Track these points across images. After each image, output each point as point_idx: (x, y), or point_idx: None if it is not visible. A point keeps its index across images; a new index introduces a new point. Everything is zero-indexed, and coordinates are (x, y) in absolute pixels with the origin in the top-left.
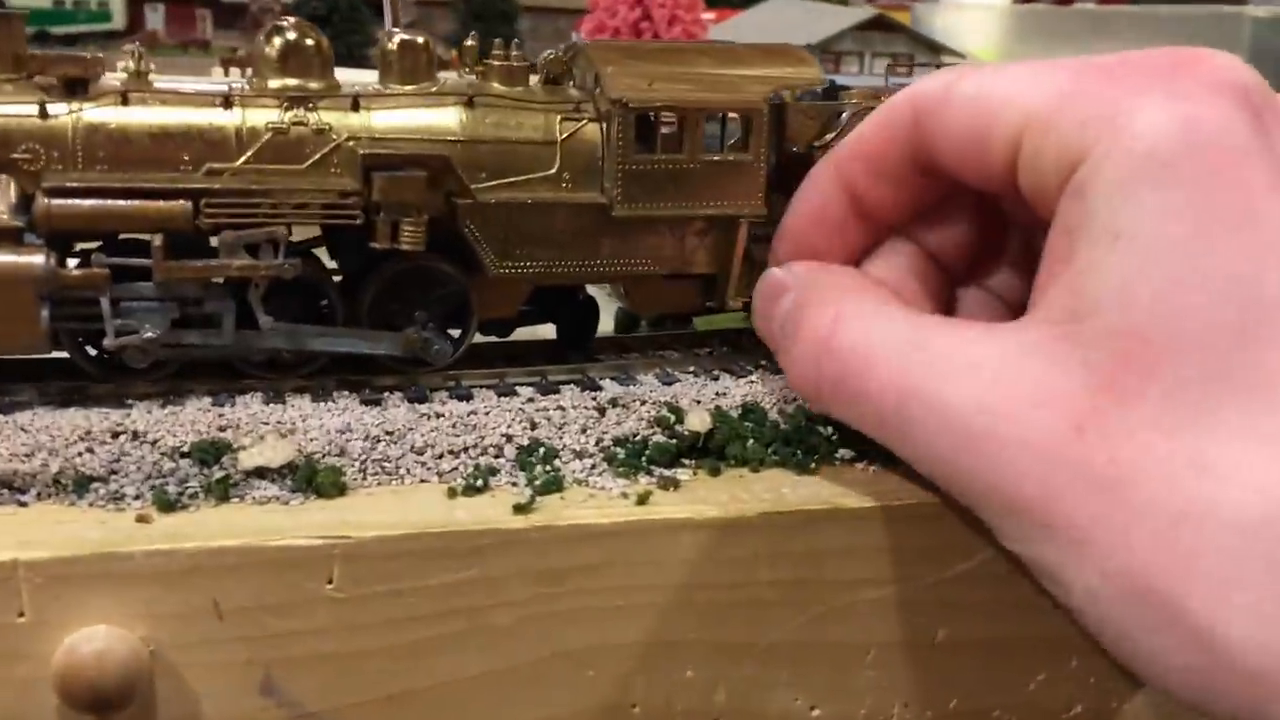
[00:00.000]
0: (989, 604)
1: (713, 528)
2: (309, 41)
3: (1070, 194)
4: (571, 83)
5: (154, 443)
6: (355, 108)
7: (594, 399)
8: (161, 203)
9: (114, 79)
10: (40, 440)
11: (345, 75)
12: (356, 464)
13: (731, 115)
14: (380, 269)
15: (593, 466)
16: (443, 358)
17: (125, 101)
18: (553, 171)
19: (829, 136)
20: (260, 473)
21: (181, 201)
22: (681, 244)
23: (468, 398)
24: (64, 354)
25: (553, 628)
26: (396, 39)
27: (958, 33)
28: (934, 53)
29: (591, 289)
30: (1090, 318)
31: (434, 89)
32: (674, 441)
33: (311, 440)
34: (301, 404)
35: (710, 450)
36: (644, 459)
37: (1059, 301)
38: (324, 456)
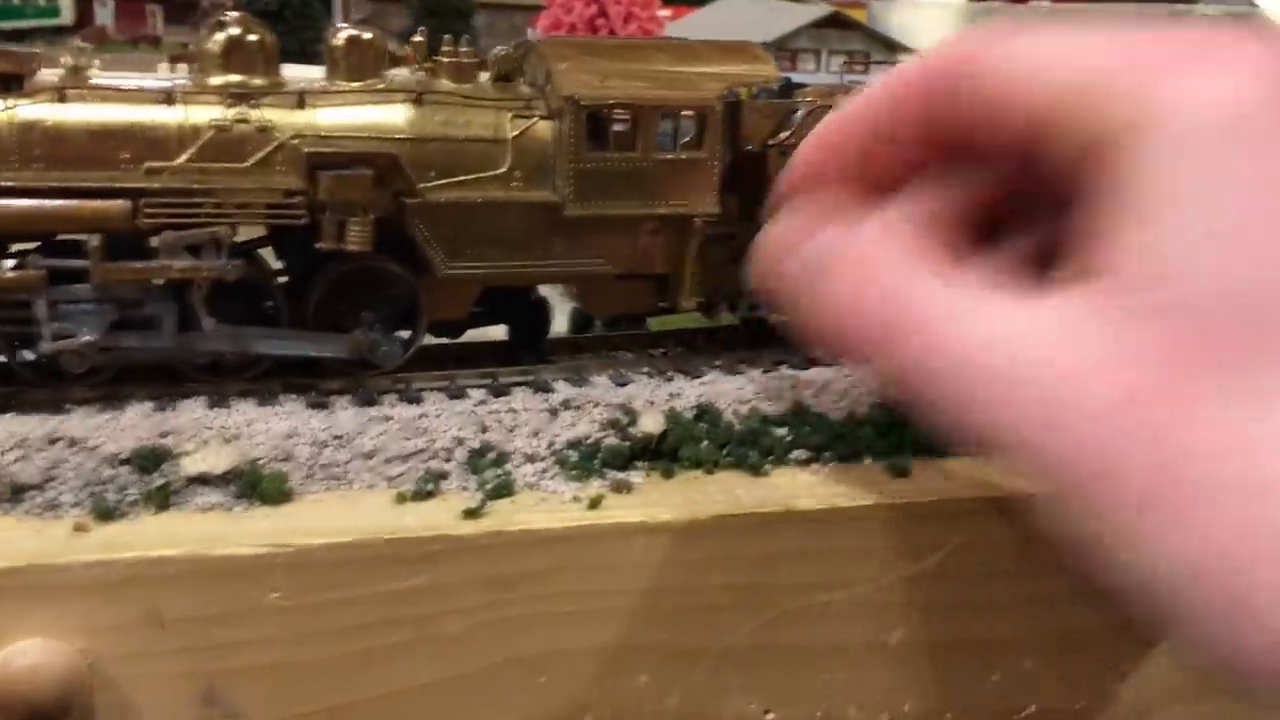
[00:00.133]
0: (943, 606)
1: (666, 531)
2: (252, 37)
3: (1120, 163)
4: (523, 80)
5: (92, 449)
6: (300, 105)
7: (546, 401)
8: (99, 202)
9: (51, 75)
10: None
11: (296, 71)
12: (303, 469)
13: (685, 113)
14: (326, 270)
15: (544, 470)
16: (391, 360)
17: (62, 98)
18: (503, 170)
19: (783, 135)
20: (202, 479)
21: (120, 201)
22: (635, 244)
23: (417, 400)
24: None
25: (504, 634)
26: (343, 35)
27: (914, 30)
28: (890, 50)
29: (545, 289)
30: (1151, 288)
31: (381, 86)
32: (627, 444)
33: (256, 445)
34: (246, 408)
35: (664, 453)
36: (596, 462)
37: (1113, 269)
38: (269, 462)
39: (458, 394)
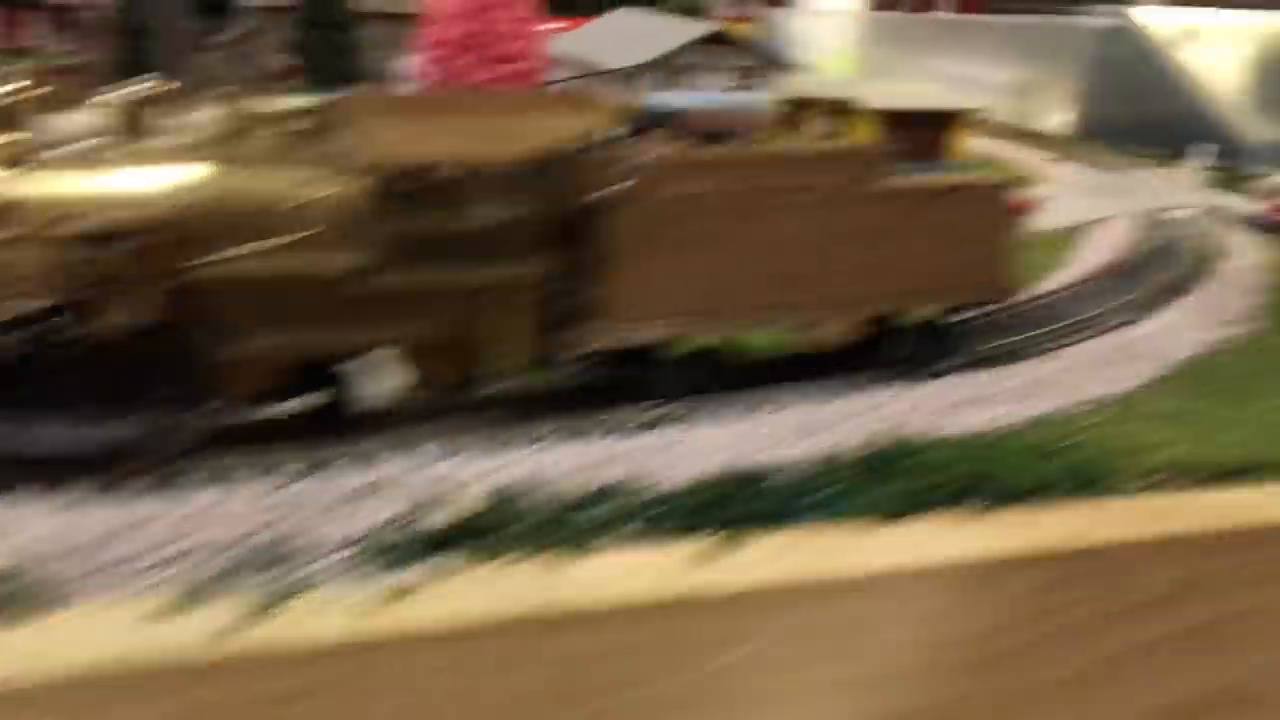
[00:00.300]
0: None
1: (452, 639)
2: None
3: None
4: (332, 138)
5: None
6: (69, 171)
7: (356, 480)
8: None
9: None
10: None
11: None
12: (40, 581)
13: (503, 171)
14: (104, 349)
15: (333, 567)
16: (173, 447)
17: None
18: (303, 236)
19: (616, 188)
20: None
21: None
22: (451, 309)
23: (207, 485)
24: None
25: None
26: (126, 93)
27: (813, 39)
28: (778, 66)
29: (379, 353)
30: None
31: (165, 146)
32: (433, 532)
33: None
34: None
35: (474, 535)
36: (394, 555)
37: None
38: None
39: (256, 476)
